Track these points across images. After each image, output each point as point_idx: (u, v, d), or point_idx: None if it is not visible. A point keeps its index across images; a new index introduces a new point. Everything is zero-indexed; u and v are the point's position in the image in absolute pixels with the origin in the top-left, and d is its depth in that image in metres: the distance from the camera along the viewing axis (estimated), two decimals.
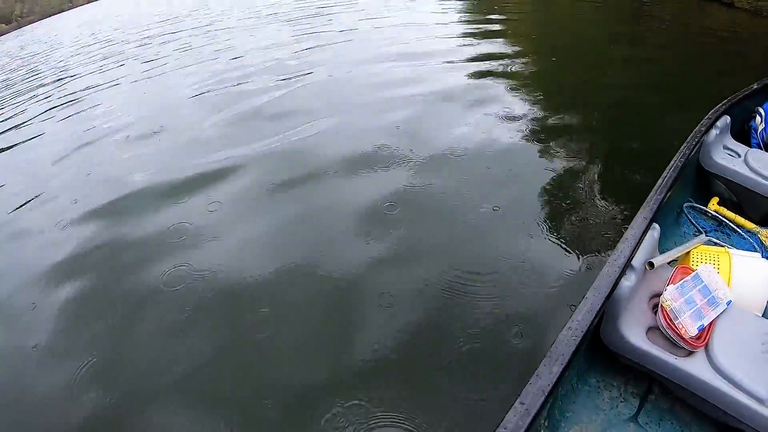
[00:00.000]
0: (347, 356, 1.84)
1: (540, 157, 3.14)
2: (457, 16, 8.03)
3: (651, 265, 1.34)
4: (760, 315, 1.47)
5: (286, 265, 2.37)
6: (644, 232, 1.37)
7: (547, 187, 2.77)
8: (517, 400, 0.97)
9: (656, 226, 1.43)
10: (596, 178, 2.81)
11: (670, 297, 1.27)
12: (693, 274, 1.37)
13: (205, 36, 9.92)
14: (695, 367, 1.22)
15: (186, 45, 9.27)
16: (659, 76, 4.66)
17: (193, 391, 1.84)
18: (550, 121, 3.66)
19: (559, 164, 3.02)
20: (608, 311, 1.25)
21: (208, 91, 5.65)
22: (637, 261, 1.29)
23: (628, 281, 1.25)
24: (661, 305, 1.28)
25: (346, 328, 1.96)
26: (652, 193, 1.53)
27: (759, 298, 1.50)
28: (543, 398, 0.97)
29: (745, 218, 1.92)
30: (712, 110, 2.09)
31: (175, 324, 2.15)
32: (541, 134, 3.44)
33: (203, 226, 2.83)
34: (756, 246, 1.82)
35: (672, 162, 1.70)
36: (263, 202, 3.02)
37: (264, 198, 3.05)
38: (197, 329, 2.11)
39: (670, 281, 1.35)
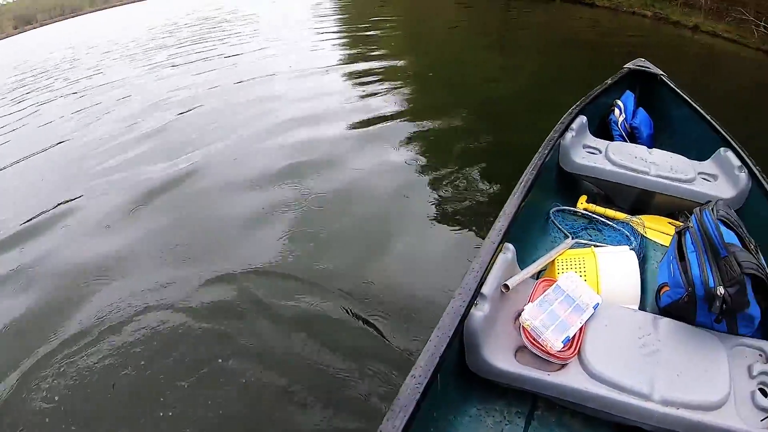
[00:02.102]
0: None
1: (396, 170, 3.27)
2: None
3: (506, 287, 1.32)
4: (636, 308, 1.48)
5: None
6: (494, 255, 1.35)
7: (403, 197, 2.93)
8: None
9: (509, 245, 1.41)
10: (460, 191, 2.95)
11: (529, 316, 1.25)
12: (553, 285, 1.37)
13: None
14: (570, 378, 1.19)
15: None
16: (527, 81, 4.94)
17: None
18: (415, 130, 3.86)
19: (422, 176, 3.18)
20: (467, 341, 1.21)
21: None
22: (490, 286, 1.26)
23: (480, 311, 1.21)
24: (522, 326, 1.25)
25: None
26: (501, 214, 1.51)
27: (631, 291, 1.51)
28: None
29: (617, 209, 1.98)
30: (566, 113, 2.17)
31: None
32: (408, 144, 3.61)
33: None
34: (629, 234, 1.85)
35: (524, 175, 1.71)
36: None
37: None
38: None
39: (530, 298, 1.34)
